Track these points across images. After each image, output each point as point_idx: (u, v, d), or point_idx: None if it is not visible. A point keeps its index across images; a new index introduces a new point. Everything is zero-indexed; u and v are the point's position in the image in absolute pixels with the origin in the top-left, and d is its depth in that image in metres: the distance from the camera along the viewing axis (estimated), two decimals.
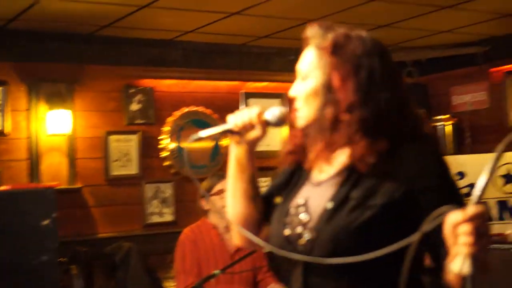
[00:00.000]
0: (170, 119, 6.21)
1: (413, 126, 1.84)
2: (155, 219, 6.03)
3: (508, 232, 5.82)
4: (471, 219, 1.38)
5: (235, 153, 2.05)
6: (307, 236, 1.83)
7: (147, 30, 5.83)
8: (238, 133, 2.01)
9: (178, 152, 6.17)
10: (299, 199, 1.92)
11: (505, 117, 6.83)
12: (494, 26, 6.25)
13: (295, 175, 2.02)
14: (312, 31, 1.94)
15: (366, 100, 1.81)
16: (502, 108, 6.84)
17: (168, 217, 6.09)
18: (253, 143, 2.04)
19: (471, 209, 1.38)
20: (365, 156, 1.77)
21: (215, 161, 6.39)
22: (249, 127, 2.00)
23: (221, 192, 4.39)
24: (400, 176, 1.76)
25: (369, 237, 1.73)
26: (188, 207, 6.10)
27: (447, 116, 7.08)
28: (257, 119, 1.99)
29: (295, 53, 6.74)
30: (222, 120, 5.98)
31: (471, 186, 5.05)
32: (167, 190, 6.11)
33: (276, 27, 5.97)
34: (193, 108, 6.30)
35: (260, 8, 5.23)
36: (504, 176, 6.02)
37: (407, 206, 1.71)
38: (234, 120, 2.01)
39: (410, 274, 1.63)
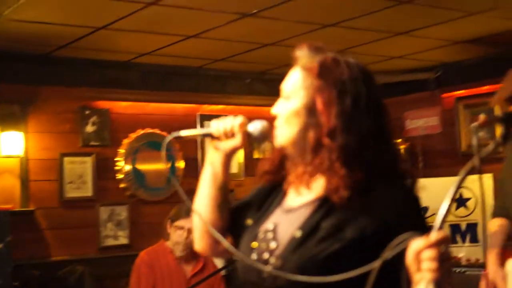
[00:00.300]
0: (125, 141, 6.18)
1: (392, 161, 1.83)
2: (110, 242, 5.97)
3: (461, 255, 5.90)
4: (434, 244, 1.40)
5: (211, 159, 2.06)
6: (273, 263, 1.80)
7: (104, 52, 5.81)
8: (218, 138, 2.01)
9: (133, 174, 6.13)
10: (268, 224, 1.90)
11: (457, 142, 6.96)
12: (445, 52, 6.39)
13: (269, 198, 1.99)
14: (300, 52, 1.92)
15: (348, 126, 1.79)
16: (454, 133, 6.97)
17: (123, 240, 6.04)
18: (230, 152, 2.04)
19: (434, 235, 1.41)
20: (341, 187, 1.74)
21: (171, 183, 6.35)
22: (229, 134, 1.99)
23: (181, 228, 4.36)
24: (373, 213, 1.73)
25: (336, 270, 1.67)
26: (143, 230, 6.06)
27: (400, 140, 7.18)
28: (239, 128, 1.99)
29: (251, 76, 6.82)
30: (179, 142, 5.99)
31: (424, 209, 5.12)
32: (122, 212, 6.06)
33: (232, 51, 6.01)
34: (149, 130, 6.28)
35: (217, 32, 5.26)
36: (456, 200, 6.13)
37: (377, 243, 1.65)
38: (216, 125, 2.01)
39: None
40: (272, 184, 2.00)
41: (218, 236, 1.94)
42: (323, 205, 1.80)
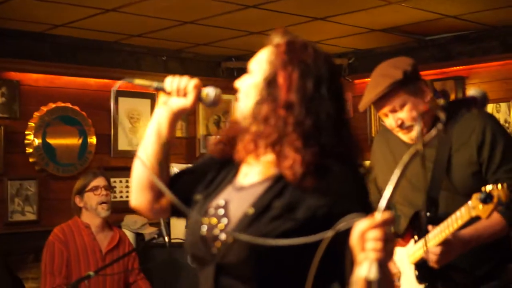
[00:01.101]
0: (36, 114, 5.99)
1: (346, 146, 1.86)
2: (17, 217, 5.79)
3: None
4: (379, 225, 1.44)
5: (158, 115, 2.08)
6: (223, 239, 1.82)
7: (16, 21, 5.61)
8: (169, 94, 2.04)
9: (43, 149, 5.97)
10: (219, 200, 1.91)
11: (367, 128, 7.12)
12: (360, 40, 6.50)
13: (220, 174, 2.01)
14: (275, 34, 1.99)
15: (307, 105, 1.82)
16: (365, 119, 7.13)
17: (30, 215, 5.87)
18: (178, 111, 2.07)
19: (379, 216, 1.44)
20: (296, 163, 1.77)
21: (83, 159, 6.24)
22: (182, 92, 2.03)
23: (96, 188, 4.36)
24: (326, 195, 1.77)
25: (286, 249, 1.71)
26: (52, 206, 5.93)
27: None
28: (193, 89, 2.02)
29: (167, 54, 6.76)
30: (92, 118, 5.91)
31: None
32: (31, 187, 5.90)
33: (150, 27, 5.93)
34: (61, 104, 6.10)
35: (135, 7, 5.17)
36: None
37: (325, 225, 1.69)
38: (170, 81, 2.05)
39: (320, 282, 1.67)
40: (223, 158, 2.01)
41: (163, 187, 1.98)
42: (276, 184, 1.83)
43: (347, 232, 1.53)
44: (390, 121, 2.87)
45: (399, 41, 6.65)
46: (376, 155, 3.17)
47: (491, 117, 2.92)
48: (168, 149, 2.09)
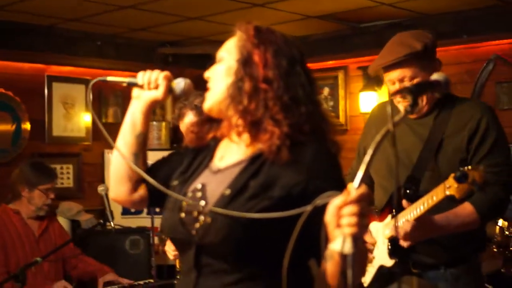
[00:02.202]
0: None
1: (319, 122, 1.93)
2: None
3: None
4: (355, 201, 1.48)
5: (132, 108, 2.15)
6: (202, 220, 1.86)
7: None
8: (141, 87, 2.10)
9: None
10: (197, 184, 1.97)
11: None
12: (296, 26, 6.54)
13: (195, 161, 2.06)
14: (241, 23, 2.04)
15: (284, 80, 1.89)
16: None
17: None
18: (151, 103, 2.13)
19: (354, 192, 1.48)
20: (274, 136, 1.83)
21: (17, 145, 6.12)
22: (153, 84, 2.08)
23: (48, 190, 4.37)
24: (300, 173, 1.82)
25: (265, 226, 1.77)
26: None
27: None
28: (163, 80, 2.07)
29: (102, 39, 6.67)
30: (25, 104, 5.81)
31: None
32: None
33: (85, 11, 5.83)
34: None
35: None
36: None
37: (301, 203, 1.73)
38: (142, 75, 2.12)
39: (297, 259, 1.72)
40: (197, 147, 2.09)
41: (144, 174, 2.03)
42: (252, 164, 1.89)
43: (322, 209, 1.57)
44: (395, 89, 2.90)
45: (334, 28, 6.73)
46: (370, 127, 3.21)
47: (490, 109, 2.97)
48: (144, 140, 2.16)
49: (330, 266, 1.66)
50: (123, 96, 6.97)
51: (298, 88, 1.91)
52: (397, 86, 2.86)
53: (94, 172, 6.70)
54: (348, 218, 1.49)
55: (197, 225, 1.88)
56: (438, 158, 2.89)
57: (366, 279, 3.02)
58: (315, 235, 1.66)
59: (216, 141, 2.07)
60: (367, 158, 1.53)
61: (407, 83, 2.82)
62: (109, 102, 6.89)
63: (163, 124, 6.97)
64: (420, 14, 6.20)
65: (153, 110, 7.21)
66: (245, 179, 1.87)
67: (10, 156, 6.02)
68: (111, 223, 3.93)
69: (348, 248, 1.47)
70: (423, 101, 2.90)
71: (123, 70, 6.94)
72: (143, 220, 6.42)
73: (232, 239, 1.79)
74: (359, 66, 6.95)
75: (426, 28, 6.28)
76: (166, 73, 2.12)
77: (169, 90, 2.11)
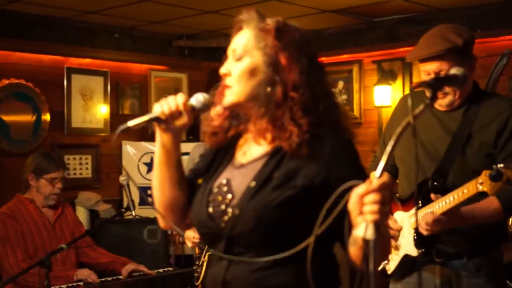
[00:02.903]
0: None
1: (337, 116, 2.01)
2: None
3: None
4: (377, 189, 1.57)
5: (162, 141, 2.08)
6: (230, 213, 1.95)
7: None
8: (165, 121, 2.03)
9: None
10: (221, 179, 2.04)
11: None
12: (311, 20, 6.59)
13: (216, 159, 2.12)
14: (248, 15, 2.04)
15: (308, 82, 1.95)
16: None
17: None
18: (179, 130, 2.08)
19: (376, 181, 1.57)
20: (293, 135, 1.91)
21: (37, 136, 6.22)
22: (176, 114, 2.03)
23: (53, 180, 4.44)
24: (321, 163, 1.90)
25: (290, 214, 1.88)
26: (5, 183, 5.92)
27: None
28: (184, 107, 2.02)
29: (120, 31, 6.75)
30: (45, 95, 5.92)
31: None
32: None
33: (103, 4, 5.92)
34: (14, 81, 6.05)
35: None
36: (146, 164, 6.74)
37: (324, 191, 1.83)
38: (160, 108, 2.03)
39: (322, 244, 1.82)
40: (217, 146, 2.12)
41: (171, 224, 2.13)
42: (274, 157, 1.97)
43: (346, 200, 1.67)
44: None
45: (348, 22, 6.80)
46: (397, 117, 3.26)
47: None
48: (182, 167, 2.13)
49: (354, 251, 1.77)
50: (140, 88, 7.08)
51: (318, 86, 1.98)
52: (432, 77, 2.89)
53: (112, 163, 6.80)
54: (370, 205, 1.58)
55: (226, 217, 1.97)
56: (465, 152, 2.94)
57: (390, 267, 3.10)
58: (339, 222, 1.75)
59: (236, 137, 2.14)
60: (388, 148, 1.61)
61: None
62: (126, 94, 6.99)
63: None
64: (433, 9, 6.27)
65: None
66: (268, 171, 1.95)
67: (30, 146, 6.12)
68: (133, 212, 4.02)
69: (370, 234, 1.56)
70: (456, 94, 2.94)
71: (140, 63, 7.09)
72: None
73: (260, 228, 1.89)
74: (374, 60, 7.01)
75: (440, 23, 6.39)
76: (181, 98, 2.05)
77: (192, 110, 2.06)
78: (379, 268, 3.08)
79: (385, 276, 3.12)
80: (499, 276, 3.06)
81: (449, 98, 2.94)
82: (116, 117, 6.84)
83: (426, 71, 2.93)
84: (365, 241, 1.56)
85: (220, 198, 2.01)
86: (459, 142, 2.94)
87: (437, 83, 1.95)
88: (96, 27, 6.62)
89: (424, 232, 2.87)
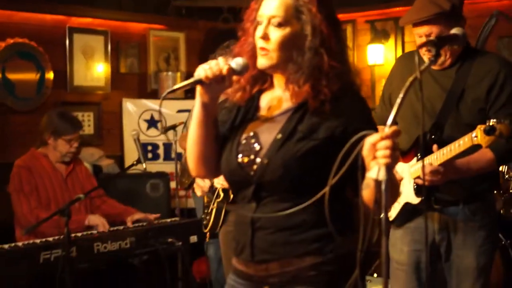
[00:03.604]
0: None
1: (351, 75, 2.23)
2: None
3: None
4: (389, 136, 1.79)
5: (202, 100, 2.22)
6: (259, 162, 2.18)
7: None
8: (208, 84, 2.17)
9: (2, 83, 6.10)
10: (249, 132, 2.26)
11: None
12: None
13: (239, 113, 2.33)
14: None
15: (340, 50, 2.19)
16: None
17: None
18: (219, 91, 2.24)
19: (387, 129, 1.80)
20: (322, 95, 2.13)
21: (41, 94, 6.39)
22: (219, 79, 2.18)
23: (71, 140, 4.65)
24: (340, 117, 2.14)
25: (313, 163, 2.12)
26: (11, 139, 6.11)
27: None
28: (226, 72, 2.17)
29: None
30: (48, 53, 6.04)
31: None
32: None
33: None
34: (18, 40, 6.19)
35: None
36: (146, 121, 6.98)
37: (342, 142, 2.02)
38: (204, 72, 2.16)
39: (338, 188, 2.06)
40: (241, 101, 2.32)
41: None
42: (297, 112, 2.20)
43: (359, 145, 1.89)
44: (421, 41, 3.13)
45: None
46: (395, 75, 3.47)
47: (508, 63, 3.22)
48: (218, 125, 2.31)
49: (367, 193, 1.99)
50: (139, 47, 7.24)
51: (344, 52, 2.22)
52: (423, 39, 3.10)
53: (113, 119, 6.99)
54: (383, 151, 1.79)
55: (255, 166, 2.20)
56: (459, 107, 3.16)
57: (392, 214, 3.33)
58: (352, 169, 1.96)
59: (260, 92, 2.34)
60: (398, 100, 1.83)
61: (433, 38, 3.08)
62: (126, 53, 7.15)
63: (178, 74, 7.24)
64: None
65: (168, 61, 7.52)
66: (293, 124, 2.18)
67: (34, 104, 6.30)
68: (144, 165, 4.23)
69: (382, 175, 1.77)
70: (447, 54, 3.15)
71: (140, 22, 7.24)
72: (161, 166, 6.77)
73: (287, 175, 2.13)
74: (367, 20, 7.20)
75: None
76: (223, 63, 2.17)
77: (233, 72, 2.18)
78: (381, 215, 3.32)
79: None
80: (493, 221, 3.30)
81: (441, 58, 3.15)
82: (117, 75, 7.01)
83: (418, 34, 3.15)
84: (378, 182, 1.78)
85: (248, 149, 2.23)
86: (454, 98, 3.15)
87: (440, 42, 2.18)
88: None
89: (426, 182, 3.08)
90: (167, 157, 7.04)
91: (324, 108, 2.14)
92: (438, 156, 3.07)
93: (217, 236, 4.20)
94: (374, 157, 1.81)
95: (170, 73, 7.23)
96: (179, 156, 6.62)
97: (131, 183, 6.12)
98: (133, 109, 7.03)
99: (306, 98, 2.17)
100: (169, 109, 6.99)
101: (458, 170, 3.09)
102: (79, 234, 4.15)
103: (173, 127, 5.57)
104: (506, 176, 4.73)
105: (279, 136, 2.18)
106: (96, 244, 4.02)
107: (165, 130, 5.27)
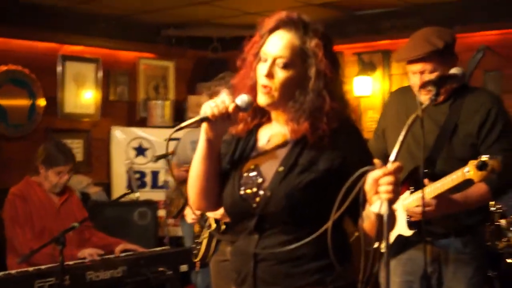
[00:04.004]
0: None
1: (347, 110, 2.29)
2: None
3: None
4: (392, 172, 1.87)
5: (207, 137, 2.26)
6: (263, 194, 2.23)
7: None
8: (214, 121, 2.22)
9: None
10: (250, 164, 2.32)
11: None
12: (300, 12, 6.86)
13: (238, 146, 2.38)
14: (285, 20, 2.26)
15: (337, 90, 2.25)
16: None
17: None
18: (224, 128, 2.29)
19: (391, 165, 1.87)
20: (321, 131, 2.19)
21: (32, 120, 6.44)
22: (225, 116, 2.22)
23: (61, 172, 4.67)
24: (338, 150, 2.20)
25: (314, 195, 2.18)
26: (2, 166, 6.12)
27: None
28: (232, 109, 2.22)
29: (111, 19, 6.88)
30: (40, 81, 6.10)
31: None
32: None
33: None
34: (11, 67, 6.27)
35: None
36: (135, 148, 7.03)
37: (342, 173, 2.12)
38: (210, 110, 2.21)
39: (338, 219, 2.10)
40: (241, 133, 2.38)
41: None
42: (296, 146, 2.25)
43: (360, 179, 1.96)
44: (416, 80, 3.22)
45: (331, 15, 7.07)
46: (390, 110, 3.54)
47: (499, 99, 3.31)
48: (220, 160, 2.36)
49: (367, 224, 2.08)
50: (129, 75, 7.31)
51: (341, 90, 2.27)
52: (417, 76, 3.19)
53: (101, 147, 7.05)
54: (385, 186, 1.86)
55: (258, 199, 2.25)
56: (452, 142, 3.24)
57: (383, 246, 3.39)
58: (352, 201, 2.02)
59: (258, 126, 2.40)
60: (400, 137, 1.91)
61: (427, 75, 3.16)
62: (116, 81, 7.22)
63: (167, 103, 7.31)
64: (413, 4, 6.56)
65: (157, 89, 7.59)
66: (294, 157, 2.23)
67: (25, 130, 6.34)
68: (137, 193, 4.27)
69: (384, 209, 1.85)
70: (420, 91, 3.24)
71: (131, 50, 7.32)
72: (148, 194, 6.80)
73: (290, 207, 2.18)
74: (354, 52, 7.30)
75: (419, 18, 6.70)
76: (228, 100, 2.23)
77: (238, 109, 2.23)
78: (375, 246, 3.39)
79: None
80: (483, 253, 3.38)
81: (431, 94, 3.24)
82: (106, 103, 7.08)
83: (412, 71, 3.23)
84: (380, 216, 1.85)
85: (251, 181, 2.28)
86: (447, 133, 3.23)
87: (441, 82, 2.26)
88: (89, 16, 6.82)
89: (420, 216, 3.14)
90: (154, 185, 7.09)
91: (322, 142, 2.20)
92: (431, 190, 3.14)
93: (206, 265, 4.23)
94: (376, 192, 1.88)
95: (159, 101, 7.30)
96: (167, 185, 6.67)
97: (119, 211, 6.14)
98: (121, 137, 7.08)
99: (305, 133, 2.22)
100: (158, 137, 7.05)
101: (455, 204, 3.16)
102: (71, 263, 4.16)
103: (165, 156, 5.61)
104: (492, 208, 4.81)
105: (281, 168, 2.23)
106: (89, 272, 4.05)
107: (157, 158, 5.32)
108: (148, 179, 7.06)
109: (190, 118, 2.30)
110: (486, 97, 3.26)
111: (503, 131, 3.19)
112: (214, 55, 7.89)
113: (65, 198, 4.79)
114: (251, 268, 2.28)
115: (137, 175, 7.04)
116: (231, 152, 2.40)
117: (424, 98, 3.22)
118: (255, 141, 2.38)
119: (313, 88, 2.20)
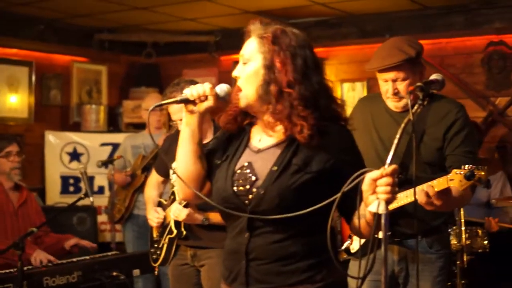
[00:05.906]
0: None
1: (335, 108, 2.36)
2: None
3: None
4: (390, 174, 1.96)
5: (188, 120, 2.42)
6: (256, 192, 2.29)
7: None
8: (192, 101, 2.39)
9: None
10: (243, 162, 2.38)
11: None
12: (231, 20, 6.95)
13: (231, 143, 2.45)
14: (254, 26, 2.39)
15: (303, 80, 2.28)
16: None
17: None
18: (204, 112, 2.41)
19: (389, 167, 1.97)
20: (304, 128, 2.25)
21: None
22: (203, 98, 2.38)
23: (9, 154, 4.57)
24: (330, 150, 2.28)
25: (306, 195, 2.24)
26: None
27: None
28: (210, 92, 2.37)
29: (44, 23, 6.82)
30: None
31: None
32: None
33: None
34: None
35: None
36: (69, 153, 7.06)
37: (334, 174, 2.23)
38: (190, 91, 2.39)
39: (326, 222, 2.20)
40: (231, 132, 2.46)
41: (198, 193, 2.42)
42: (290, 145, 2.32)
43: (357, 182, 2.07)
44: (387, 87, 3.33)
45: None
46: (356, 117, 3.59)
47: (463, 106, 3.42)
48: (202, 144, 2.46)
49: (363, 223, 2.18)
50: (63, 79, 7.21)
51: (314, 82, 2.31)
52: (390, 84, 3.31)
53: (35, 152, 6.92)
54: (383, 187, 1.96)
55: (250, 196, 2.31)
56: (420, 147, 3.37)
57: (354, 246, 3.50)
58: (346, 201, 2.15)
59: (251, 125, 2.47)
60: (395, 141, 2.04)
61: (399, 83, 3.30)
62: (50, 85, 7.11)
63: (101, 107, 7.25)
64: (346, 13, 6.74)
65: (90, 94, 7.52)
66: (288, 157, 2.30)
67: None
68: (90, 198, 4.24)
69: (382, 209, 1.95)
70: (411, 97, 3.35)
71: (64, 54, 7.22)
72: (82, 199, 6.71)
73: (281, 207, 2.24)
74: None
75: (353, 27, 6.90)
76: (209, 85, 2.39)
77: (217, 96, 2.39)
78: (343, 247, 3.50)
79: (348, 254, 3.53)
80: (448, 253, 3.53)
81: (404, 101, 3.35)
82: (40, 107, 6.96)
83: (383, 79, 3.33)
84: (377, 215, 1.95)
85: (244, 178, 2.34)
86: (416, 139, 3.36)
87: (427, 86, 2.39)
88: (22, 19, 6.72)
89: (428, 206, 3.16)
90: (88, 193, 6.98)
91: (313, 142, 2.27)
92: (407, 195, 3.22)
93: (151, 270, 4.29)
94: (374, 192, 1.98)
95: (94, 106, 7.23)
96: (101, 190, 6.62)
97: (57, 216, 6.05)
98: (55, 142, 6.99)
99: (291, 133, 2.30)
100: (92, 142, 6.99)
101: (452, 201, 3.19)
102: (29, 267, 4.11)
103: (111, 161, 5.59)
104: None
105: (275, 168, 2.29)
106: (45, 278, 3.99)
107: (102, 163, 5.29)
108: (83, 184, 6.97)
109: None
110: (452, 104, 3.41)
111: (467, 136, 3.34)
112: (147, 60, 7.88)
113: (24, 199, 4.71)
114: (243, 266, 2.34)
115: (71, 180, 6.97)
116: (223, 149, 2.47)
117: (392, 105, 3.36)
118: (248, 139, 2.45)
119: (262, 78, 2.30)
